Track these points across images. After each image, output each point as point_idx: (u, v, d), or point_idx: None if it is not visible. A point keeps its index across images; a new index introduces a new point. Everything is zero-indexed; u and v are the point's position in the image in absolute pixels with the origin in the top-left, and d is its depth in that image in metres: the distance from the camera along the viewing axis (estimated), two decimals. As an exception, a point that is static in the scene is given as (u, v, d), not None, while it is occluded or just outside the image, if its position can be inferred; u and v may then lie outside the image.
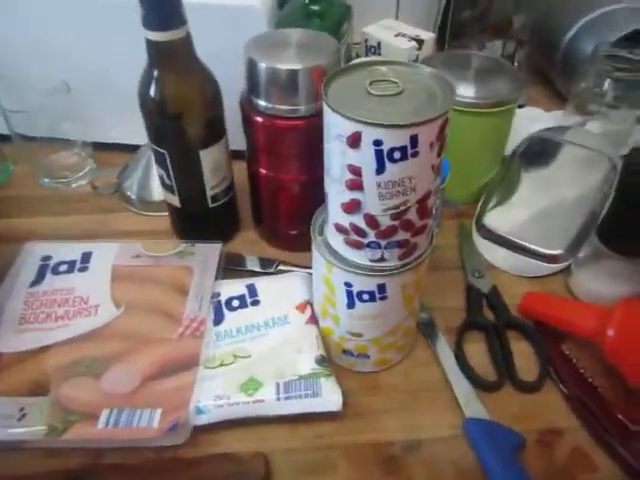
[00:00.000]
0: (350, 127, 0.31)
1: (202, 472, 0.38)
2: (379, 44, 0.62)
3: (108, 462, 0.38)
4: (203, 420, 0.39)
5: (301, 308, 0.46)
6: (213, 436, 0.40)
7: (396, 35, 0.62)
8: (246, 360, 0.42)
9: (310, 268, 0.51)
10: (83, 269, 0.49)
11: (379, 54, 0.63)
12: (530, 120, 0.69)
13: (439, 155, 0.34)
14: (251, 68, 0.46)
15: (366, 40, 0.64)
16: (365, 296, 0.39)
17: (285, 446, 0.40)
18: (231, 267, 0.53)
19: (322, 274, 0.40)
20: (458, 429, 0.42)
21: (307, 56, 0.45)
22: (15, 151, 0.64)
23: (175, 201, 0.53)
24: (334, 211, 0.37)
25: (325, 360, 0.42)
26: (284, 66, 0.45)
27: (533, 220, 0.55)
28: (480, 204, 0.59)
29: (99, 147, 0.67)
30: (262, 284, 0.49)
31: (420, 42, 0.61)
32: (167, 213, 0.59)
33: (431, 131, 0.32)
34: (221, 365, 0.42)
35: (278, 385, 0.40)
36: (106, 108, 0.64)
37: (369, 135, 0.31)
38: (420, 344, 0.48)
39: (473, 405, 0.43)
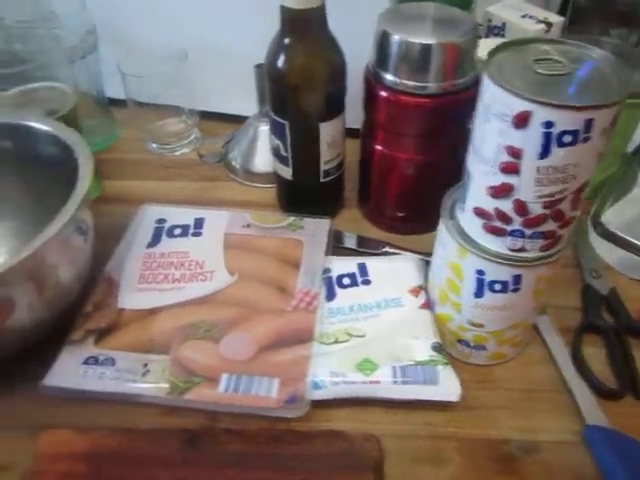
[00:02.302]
0: (518, 105, 0.29)
1: (316, 447, 0.37)
2: (504, 25, 0.59)
3: (223, 426, 0.39)
4: (318, 395, 0.39)
5: (415, 292, 0.45)
6: (324, 412, 0.40)
7: (522, 16, 0.58)
8: (360, 339, 0.42)
9: (419, 253, 0.51)
10: (197, 234, 0.50)
11: (503, 35, 0.60)
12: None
13: (606, 144, 0.31)
14: (382, 40, 0.45)
15: (489, 20, 0.61)
16: (497, 286, 0.37)
17: (395, 431, 0.40)
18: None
19: (450, 259, 0.39)
20: (577, 435, 0.40)
21: (442, 31, 0.44)
22: (125, 116, 0.65)
23: (287, 173, 0.52)
24: (477, 194, 0.35)
25: (442, 348, 0.41)
26: (417, 40, 0.43)
27: (657, 221, 0.51)
28: (598, 201, 0.55)
29: (204, 116, 0.67)
30: (373, 264, 0.48)
31: (549, 25, 0.57)
32: (270, 185, 0.59)
33: (606, 117, 0.30)
34: (336, 342, 0.42)
35: (394, 368, 0.39)
36: (217, 77, 0.64)
37: (540, 116, 0.29)
38: (534, 342, 0.46)
39: (594, 411, 0.40)
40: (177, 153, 0.66)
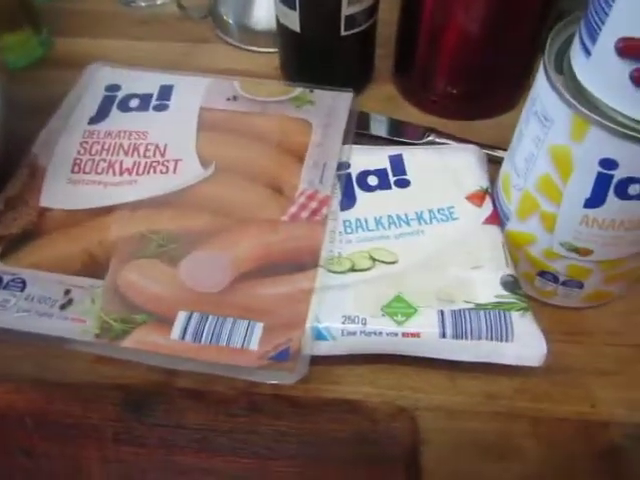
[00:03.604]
0: None
1: (318, 425, 0.25)
2: None
3: (182, 385, 0.27)
4: (323, 350, 0.26)
5: (476, 199, 0.30)
6: (330, 372, 0.27)
7: None
8: (391, 268, 0.28)
9: (480, 145, 0.35)
10: (161, 107, 0.35)
11: None
12: None
13: None
14: None
15: None
16: (635, 188, 0.22)
17: (436, 403, 0.26)
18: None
19: (552, 142, 0.23)
20: None
21: None
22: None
23: (294, 22, 0.36)
24: (628, 18, 0.19)
25: (518, 284, 0.27)
26: None
27: None
28: None
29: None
30: (413, 157, 0.33)
31: None
32: (274, 49, 0.43)
33: None
34: (352, 270, 0.27)
35: (442, 314, 0.25)
36: None
37: None
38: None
39: None
40: (150, 3, 0.49)
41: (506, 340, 0.25)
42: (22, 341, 0.27)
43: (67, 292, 0.27)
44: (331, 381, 0.27)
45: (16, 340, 0.27)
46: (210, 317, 0.26)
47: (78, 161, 0.32)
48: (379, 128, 0.39)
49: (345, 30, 0.36)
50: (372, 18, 0.37)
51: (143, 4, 0.49)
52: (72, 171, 0.32)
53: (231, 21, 0.45)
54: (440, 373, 0.27)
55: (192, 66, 0.43)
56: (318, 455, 0.25)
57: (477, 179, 0.31)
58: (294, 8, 0.35)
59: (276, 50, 0.43)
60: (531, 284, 0.29)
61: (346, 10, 0.35)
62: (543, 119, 0.23)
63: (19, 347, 0.27)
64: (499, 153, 0.34)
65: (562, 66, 0.23)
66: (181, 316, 0.26)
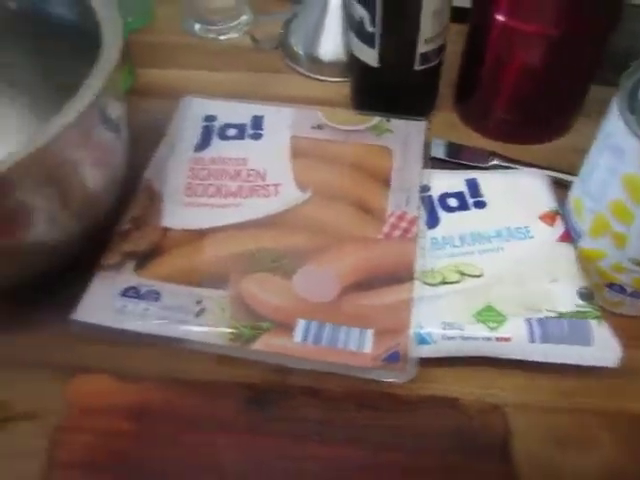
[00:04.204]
0: None
1: (423, 418, 0.29)
2: None
3: (297, 383, 0.30)
4: (425, 352, 0.29)
5: (548, 219, 0.34)
6: (428, 373, 0.31)
7: None
8: (477, 280, 0.31)
9: (543, 168, 0.39)
10: (256, 136, 0.39)
11: None
12: None
13: None
14: None
15: None
16: (702, 215, 0.25)
17: (521, 400, 0.30)
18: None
19: (625, 171, 0.27)
20: None
21: None
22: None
23: (371, 58, 0.40)
24: None
25: (592, 295, 0.30)
26: None
27: None
28: None
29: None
30: (486, 180, 0.36)
31: None
32: (340, 79, 0.47)
33: None
34: (443, 282, 0.31)
35: (530, 322, 0.29)
36: None
37: None
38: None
39: None
40: (224, 37, 0.54)
41: (586, 344, 0.29)
42: (158, 344, 0.31)
43: (199, 302, 0.31)
44: (429, 380, 0.30)
45: (153, 343, 0.31)
46: (327, 324, 0.30)
47: (190, 185, 0.36)
48: (438, 151, 0.42)
49: (419, 66, 0.40)
50: (441, 54, 0.41)
51: (215, 36, 0.53)
52: (185, 195, 0.36)
53: (301, 52, 0.49)
54: (521, 374, 0.31)
55: (267, 94, 0.47)
56: (423, 446, 0.28)
57: (546, 201, 0.35)
58: (373, 46, 0.39)
59: (343, 79, 0.47)
60: (600, 295, 0.32)
61: (421, 48, 0.39)
62: (616, 151, 0.27)
63: (155, 349, 0.31)
64: (557, 174, 0.38)
65: (633, 106, 0.27)
66: (301, 323, 0.30)
